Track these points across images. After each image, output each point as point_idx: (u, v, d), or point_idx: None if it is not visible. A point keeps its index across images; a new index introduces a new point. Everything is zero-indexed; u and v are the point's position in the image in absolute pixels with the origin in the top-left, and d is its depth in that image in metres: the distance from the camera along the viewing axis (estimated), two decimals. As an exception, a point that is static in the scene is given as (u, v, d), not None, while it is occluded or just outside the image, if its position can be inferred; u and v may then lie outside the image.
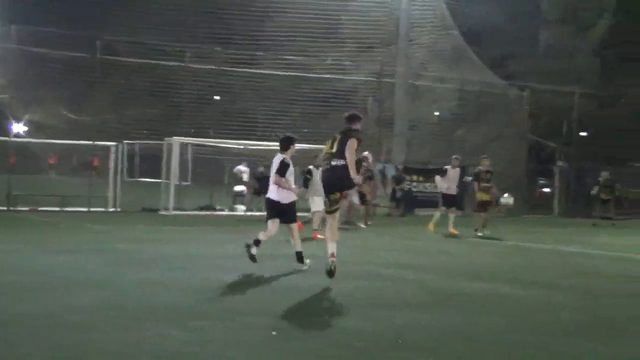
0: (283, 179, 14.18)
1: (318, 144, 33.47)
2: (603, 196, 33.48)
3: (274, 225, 14.35)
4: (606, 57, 50.97)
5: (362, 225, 26.29)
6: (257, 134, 36.71)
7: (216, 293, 11.47)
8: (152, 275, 13.09)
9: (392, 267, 15.41)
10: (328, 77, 38.32)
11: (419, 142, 40.20)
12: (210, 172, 35.13)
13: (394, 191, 34.68)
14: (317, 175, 21.05)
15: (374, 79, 39.06)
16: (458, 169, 24.82)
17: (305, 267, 14.10)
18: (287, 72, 38.04)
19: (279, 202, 14.33)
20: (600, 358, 8.44)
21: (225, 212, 32.18)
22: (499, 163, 32.95)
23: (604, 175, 33.47)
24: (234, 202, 33.65)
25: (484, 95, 41.65)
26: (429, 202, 33.36)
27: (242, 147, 34.27)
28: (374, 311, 10.40)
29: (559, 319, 10.36)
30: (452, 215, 24.43)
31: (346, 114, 13.10)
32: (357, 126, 12.88)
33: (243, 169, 34.16)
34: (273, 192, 14.37)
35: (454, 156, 24.96)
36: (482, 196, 24.35)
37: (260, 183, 28.55)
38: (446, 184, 24.53)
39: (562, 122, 47.42)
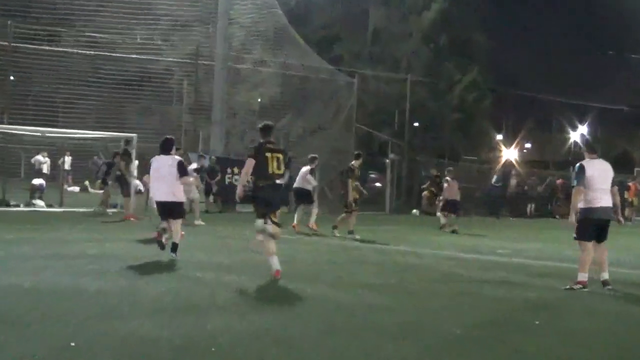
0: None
1: (125, 131, 31.17)
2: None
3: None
4: (438, 43, 50.48)
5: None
6: (57, 120, 33.36)
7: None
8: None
9: (207, 269, 14.43)
10: (137, 58, 35.35)
11: (239, 132, 37.85)
12: (3, 163, 31.61)
13: (208, 185, 32.50)
14: None
15: (190, 61, 36.15)
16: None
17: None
18: (90, 50, 34.80)
19: (168, 202, 15.45)
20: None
21: (22, 208, 29.12)
22: (323, 155, 31.95)
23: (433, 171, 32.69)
24: (32, 197, 30.48)
25: (309, 81, 39.57)
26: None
27: (39, 134, 30.99)
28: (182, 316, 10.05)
29: (380, 321, 10.29)
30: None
31: (261, 125, 13.95)
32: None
33: (42, 159, 31.08)
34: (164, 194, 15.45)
35: None
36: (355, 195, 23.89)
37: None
38: None
39: (394, 112, 46.50)
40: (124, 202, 27.03)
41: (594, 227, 13.63)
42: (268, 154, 13.30)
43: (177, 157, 15.62)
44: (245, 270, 14.41)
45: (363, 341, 9.05)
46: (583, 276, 13.49)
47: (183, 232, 16.07)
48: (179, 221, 15.59)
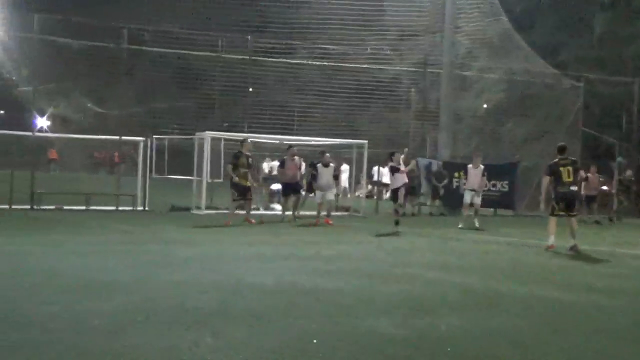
0: None
1: (356, 138, 33.90)
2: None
3: None
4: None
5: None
6: (293, 127, 36.65)
7: (243, 296, 11.61)
8: (183, 277, 13.20)
9: (435, 269, 15.63)
10: (367, 68, 38.12)
11: (465, 137, 39.96)
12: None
13: (435, 188, 34.66)
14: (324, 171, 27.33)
15: (418, 69, 38.67)
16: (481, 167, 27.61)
17: None
18: (323, 62, 37.92)
19: None
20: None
21: (262, 212, 31.81)
22: (546, 158, 33.19)
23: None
24: (271, 201, 33.78)
25: (534, 85, 41.34)
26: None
27: (277, 142, 34.22)
28: (412, 317, 10.50)
29: (611, 323, 10.64)
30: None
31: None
32: None
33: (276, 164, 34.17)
34: None
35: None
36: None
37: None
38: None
39: (620, 114, 46.83)
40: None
41: None
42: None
43: None
44: (474, 271, 15.50)
45: (595, 343, 9.41)
46: None
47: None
48: None
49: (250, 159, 26.46)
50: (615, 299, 12.72)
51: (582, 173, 21.27)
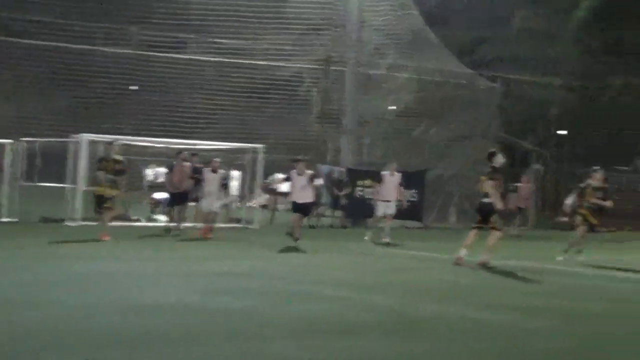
0: None
1: (251, 142, 31.64)
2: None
3: None
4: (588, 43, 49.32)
5: None
6: (183, 130, 34.11)
7: (134, 318, 10.88)
8: (69, 297, 12.41)
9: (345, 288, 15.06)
10: (265, 65, 35.72)
11: (372, 142, 37.93)
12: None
13: (336, 198, 32.75)
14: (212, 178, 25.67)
15: (320, 67, 36.36)
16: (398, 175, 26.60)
17: None
18: (216, 57, 35.43)
19: None
20: None
21: (143, 223, 30.13)
22: (463, 166, 31.82)
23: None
24: (153, 212, 31.92)
25: (447, 86, 39.46)
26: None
27: (162, 145, 32.06)
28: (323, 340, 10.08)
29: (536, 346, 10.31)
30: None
31: None
32: None
33: (161, 171, 31.90)
34: None
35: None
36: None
37: None
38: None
39: (539, 119, 45.81)
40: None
41: None
42: None
43: None
44: (387, 289, 14.95)
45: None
46: None
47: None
48: None
49: (119, 165, 23.52)
50: (538, 319, 12.16)
51: (490, 183, 19.24)
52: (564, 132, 48.66)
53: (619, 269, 20.46)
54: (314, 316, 11.61)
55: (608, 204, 22.28)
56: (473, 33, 49.39)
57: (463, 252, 19.41)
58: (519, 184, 34.09)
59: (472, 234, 19.74)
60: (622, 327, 12.01)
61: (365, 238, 26.42)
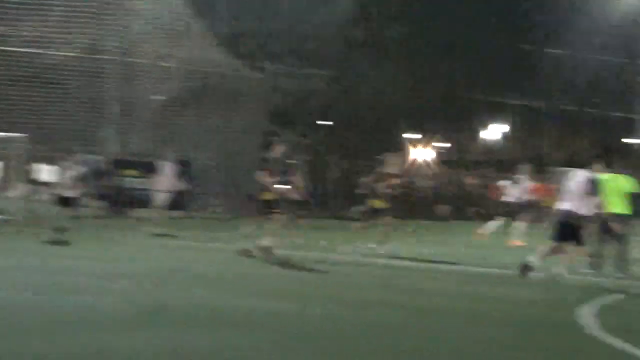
0: None
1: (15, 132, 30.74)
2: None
3: None
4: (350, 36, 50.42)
5: None
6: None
7: None
8: None
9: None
10: (25, 52, 34.53)
11: (136, 131, 37.67)
12: None
13: (99, 188, 32.43)
14: None
15: (83, 55, 35.57)
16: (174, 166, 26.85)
17: None
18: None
19: None
20: None
21: None
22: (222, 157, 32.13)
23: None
24: None
25: (213, 76, 39.52)
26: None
27: None
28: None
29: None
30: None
31: None
32: None
33: None
34: None
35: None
36: None
37: None
38: None
39: (303, 110, 46.49)
40: None
41: None
42: None
43: None
44: (169, 280, 14.74)
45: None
46: None
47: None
48: None
49: None
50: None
51: (264, 173, 19.47)
52: (329, 123, 49.62)
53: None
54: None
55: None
56: (240, 25, 49.55)
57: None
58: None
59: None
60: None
61: (144, 229, 26.11)
